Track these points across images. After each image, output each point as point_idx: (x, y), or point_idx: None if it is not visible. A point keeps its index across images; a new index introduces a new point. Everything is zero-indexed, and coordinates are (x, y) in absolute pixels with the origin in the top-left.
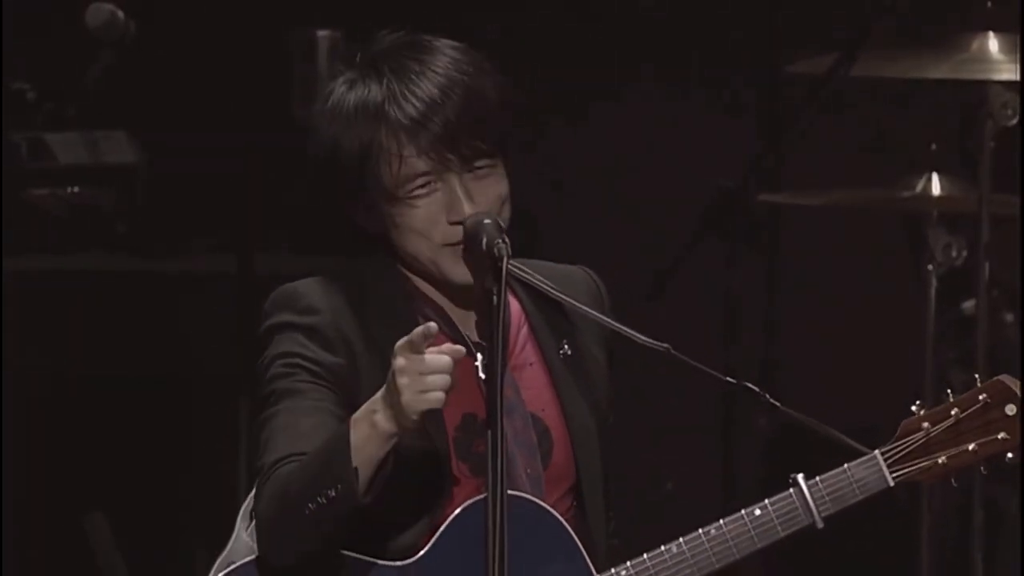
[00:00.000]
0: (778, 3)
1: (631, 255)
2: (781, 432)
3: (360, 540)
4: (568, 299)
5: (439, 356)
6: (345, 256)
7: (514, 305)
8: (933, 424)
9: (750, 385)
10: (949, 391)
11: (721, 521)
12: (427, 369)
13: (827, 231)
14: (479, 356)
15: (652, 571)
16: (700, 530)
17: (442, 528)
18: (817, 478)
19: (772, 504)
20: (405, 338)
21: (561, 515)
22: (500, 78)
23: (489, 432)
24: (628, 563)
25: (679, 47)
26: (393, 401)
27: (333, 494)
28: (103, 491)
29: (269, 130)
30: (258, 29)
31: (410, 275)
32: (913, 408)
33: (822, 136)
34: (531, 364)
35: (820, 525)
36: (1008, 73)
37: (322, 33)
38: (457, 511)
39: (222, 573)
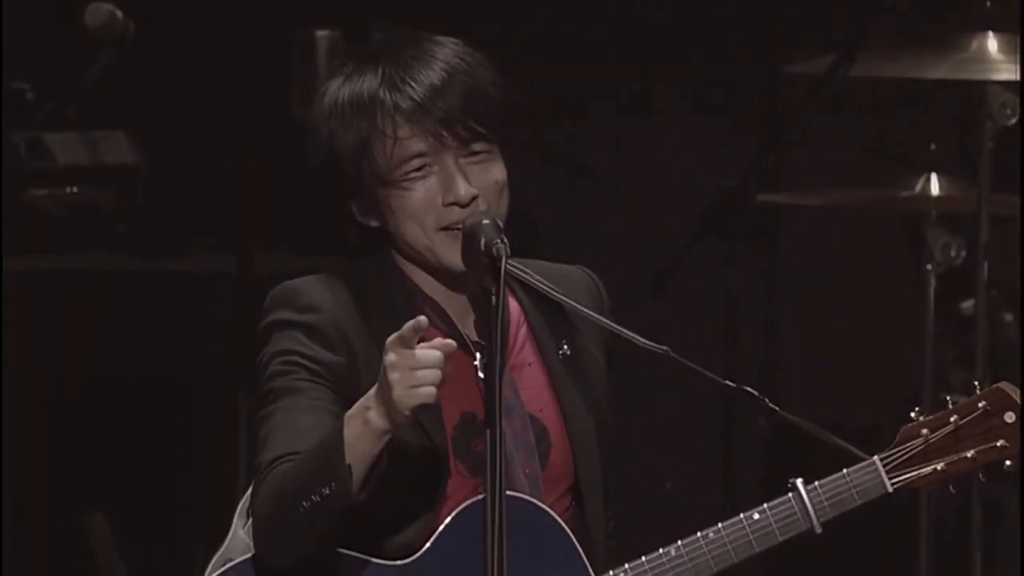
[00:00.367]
0: (778, 3)
1: (631, 255)
2: (781, 432)
3: (359, 539)
4: (568, 300)
5: (430, 351)
6: (345, 256)
7: (513, 305)
8: (932, 431)
9: (749, 389)
10: (948, 397)
11: (719, 525)
12: (418, 364)
13: (827, 231)
14: (478, 355)
15: (650, 574)
16: (698, 533)
17: (441, 528)
18: (816, 483)
19: (771, 508)
20: (396, 333)
21: (559, 515)
22: (497, 73)
23: (488, 432)
24: (627, 565)
25: (679, 47)
26: (385, 397)
27: (327, 492)
28: (103, 491)
29: (269, 130)
30: (258, 29)
31: (409, 274)
32: (912, 415)
33: (822, 136)
34: (530, 364)
35: (819, 530)
36: (1007, 73)
37: (322, 33)
38: (456, 511)
39: (219, 571)
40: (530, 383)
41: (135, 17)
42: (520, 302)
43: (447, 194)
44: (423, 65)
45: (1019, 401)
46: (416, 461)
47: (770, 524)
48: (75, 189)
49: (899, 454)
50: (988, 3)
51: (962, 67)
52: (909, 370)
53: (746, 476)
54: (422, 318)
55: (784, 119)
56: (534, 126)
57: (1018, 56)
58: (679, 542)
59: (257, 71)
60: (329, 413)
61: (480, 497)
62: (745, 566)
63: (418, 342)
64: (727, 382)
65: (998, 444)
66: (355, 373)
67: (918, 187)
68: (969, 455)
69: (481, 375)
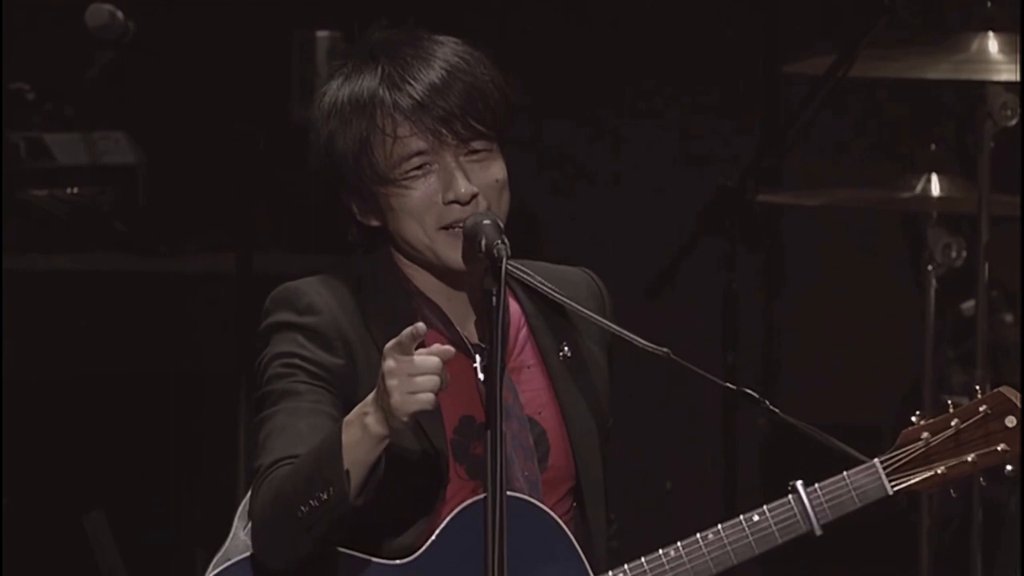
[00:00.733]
0: (778, 3)
1: (631, 255)
2: (781, 433)
3: (359, 541)
4: (568, 301)
5: (428, 357)
6: (344, 256)
7: (514, 307)
8: (933, 434)
9: (749, 391)
10: (948, 398)
11: (719, 526)
12: (416, 370)
13: (827, 231)
14: (478, 358)
15: (649, 575)
16: (698, 535)
17: (440, 528)
18: (816, 485)
19: (770, 510)
20: (394, 340)
21: (560, 517)
22: (498, 72)
23: (488, 434)
24: (626, 566)
25: (679, 47)
26: (383, 403)
27: (325, 497)
28: (103, 490)
29: (269, 130)
30: (258, 29)
31: (410, 275)
32: (913, 418)
33: (822, 136)
34: (530, 366)
35: (819, 532)
36: (1007, 73)
37: (322, 33)
38: (455, 511)
39: (218, 570)
40: (530, 385)
41: (135, 17)
42: (520, 303)
43: (447, 192)
44: (423, 64)
45: (1020, 405)
46: (416, 464)
47: (770, 526)
48: (75, 189)
49: (899, 457)
50: (988, 3)
51: (962, 67)
52: (909, 370)
53: (746, 477)
54: (420, 325)
55: (784, 119)
56: (534, 126)
57: (1018, 56)
58: (678, 543)
59: (257, 71)
60: (328, 416)
61: (479, 497)
62: (745, 566)
63: (417, 347)
64: (727, 384)
65: (999, 448)
66: (355, 375)
67: (918, 187)
68: (970, 459)
69: (481, 377)
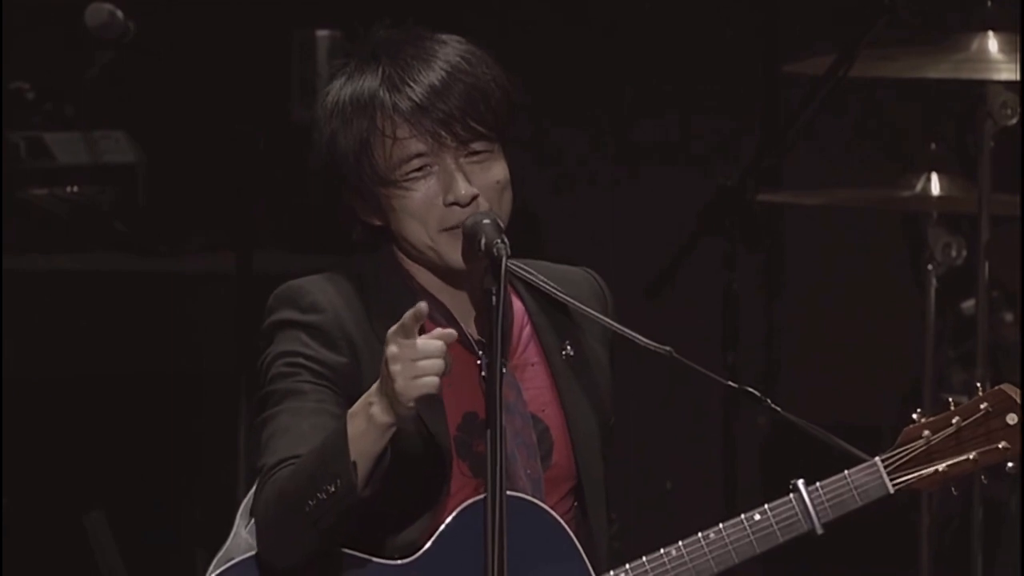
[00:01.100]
0: (778, 3)
1: (631, 255)
2: (781, 432)
3: (362, 539)
4: (571, 300)
5: (431, 341)
6: (345, 255)
7: (517, 305)
8: (934, 432)
9: (751, 389)
10: (949, 398)
11: (720, 525)
12: (419, 354)
13: (827, 231)
14: (481, 355)
15: (651, 574)
16: (699, 534)
17: (442, 527)
18: (817, 484)
19: (772, 509)
20: (397, 324)
21: (562, 516)
22: (501, 71)
23: (488, 432)
24: (627, 565)
25: (679, 47)
26: (388, 390)
27: (333, 489)
28: (103, 490)
29: (269, 130)
30: (258, 29)
31: (413, 273)
32: (914, 416)
33: (822, 136)
34: (533, 364)
35: (820, 531)
36: (1008, 73)
37: (322, 33)
38: (457, 510)
39: (219, 569)
40: (533, 383)
41: (135, 17)
42: (524, 302)
43: (447, 194)
44: (423, 65)
45: (1021, 402)
46: (419, 460)
47: (771, 525)
48: (75, 189)
49: (900, 455)
50: (988, 3)
51: (962, 67)
52: (909, 370)
53: (747, 476)
54: (422, 304)
55: (784, 119)
56: (534, 126)
57: (1018, 56)
58: (680, 542)
59: (257, 71)
60: (332, 416)
61: (481, 496)
62: (746, 566)
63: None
64: (729, 382)
65: (1000, 446)
66: (358, 373)
67: (918, 187)
68: (971, 457)
69: (484, 374)
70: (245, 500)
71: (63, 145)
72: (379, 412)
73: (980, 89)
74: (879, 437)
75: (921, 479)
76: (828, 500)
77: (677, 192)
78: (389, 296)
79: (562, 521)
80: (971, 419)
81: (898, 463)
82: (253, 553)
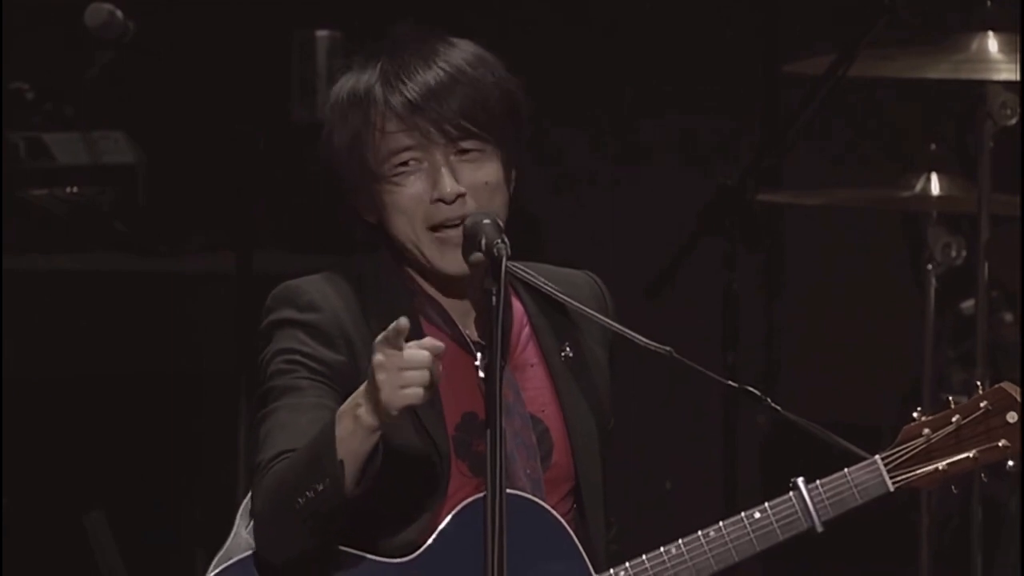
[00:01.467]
0: (778, 3)
1: (631, 255)
2: (781, 431)
3: (361, 538)
4: (570, 301)
5: (418, 352)
6: (344, 255)
7: (516, 306)
8: (934, 430)
9: (752, 389)
10: (950, 397)
11: (720, 523)
12: (406, 364)
13: (827, 231)
14: (479, 355)
15: (651, 572)
16: (699, 532)
17: (441, 526)
18: (817, 482)
19: (772, 507)
20: (383, 333)
21: (562, 517)
22: (508, 78)
23: (488, 432)
24: (627, 564)
25: (679, 47)
26: (374, 396)
27: (321, 488)
28: (103, 490)
29: (269, 130)
30: (258, 29)
31: (412, 275)
32: (915, 414)
33: (822, 136)
34: (532, 365)
35: (820, 529)
36: (1007, 73)
37: (322, 33)
38: (456, 509)
39: (219, 568)
40: (532, 384)
41: (135, 17)
42: (523, 303)
43: (433, 191)
44: (422, 64)
45: (1020, 401)
46: (418, 461)
47: (771, 523)
48: (75, 189)
49: (900, 453)
50: (988, 3)
51: (962, 67)
52: (909, 370)
53: (747, 476)
54: (403, 320)
55: (784, 119)
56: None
57: (1018, 56)
58: (680, 541)
59: (257, 71)
60: (330, 411)
61: (480, 495)
62: (746, 565)
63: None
64: (730, 382)
65: (1000, 444)
66: (355, 372)
67: (918, 187)
68: (971, 455)
69: (482, 375)
70: (245, 500)
71: (63, 145)
72: (365, 414)
73: (980, 89)
74: (879, 437)
75: (921, 477)
76: (828, 498)
77: (677, 192)
78: (387, 296)
79: (562, 519)
80: (971, 417)
81: (898, 461)
82: (251, 552)
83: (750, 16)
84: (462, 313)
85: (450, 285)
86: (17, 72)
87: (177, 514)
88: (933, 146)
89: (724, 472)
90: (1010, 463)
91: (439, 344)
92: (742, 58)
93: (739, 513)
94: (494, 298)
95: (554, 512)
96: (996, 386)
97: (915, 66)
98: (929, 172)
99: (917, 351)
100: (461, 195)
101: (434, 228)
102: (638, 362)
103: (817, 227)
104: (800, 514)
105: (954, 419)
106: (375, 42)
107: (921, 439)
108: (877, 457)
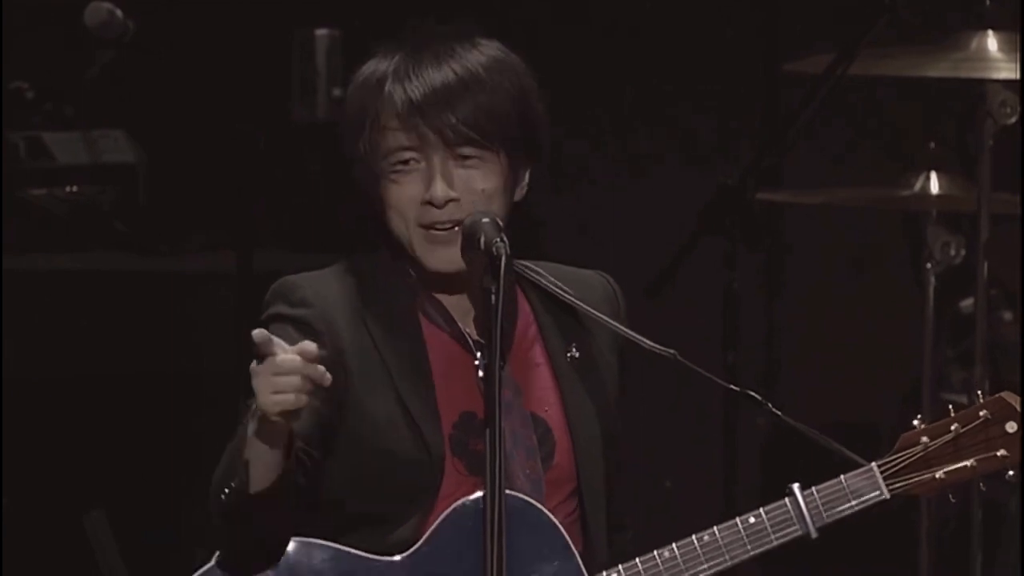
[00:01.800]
0: (778, 3)
1: (631, 255)
2: (782, 432)
3: (355, 536)
4: (577, 302)
5: (290, 357)
6: (344, 254)
7: (523, 305)
8: (932, 438)
9: (753, 393)
10: (950, 405)
11: (715, 528)
12: (277, 370)
13: (827, 230)
14: (479, 354)
15: (644, 575)
16: (693, 536)
17: (436, 524)
18: (813, 488)
19: (767, 512)
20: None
21: (564, 518)
22: (527, 87)
23: (487, 431)
24: (620, 567)
25: (679, 47)
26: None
27: (234, 485)
28: (103, 489)
29: (269, 130)
30: (258, 29)
31: (413, 271)
32: (915, 422)
33: (822, 136)
34: (538, 364)
35: (814, 535)
36: (1007, 72)
37: (321, 32)
38: (451, 508)
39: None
40: (537, 383)
41: (135, 17)
42: (530, 303)
43: (425, 193)
44: (434, 64)
45: (1020, 411)
46: (409, 458)
47: (765, 527)
48: (75, 189)
49: (897, 461)
50: (988, 2)
51: (962, 66)
52: (909, 369)
53: (747, 477)
54: (258, 331)
55: (784, 119)
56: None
57: (1018, 55)
58: (673, 544)
59: (257, 71)
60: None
61: (476, 495)
62: (745, 566)
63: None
64: (731, 386)
65: (999, 454)
66: (341, 367)
67: (918, 186)
68: (969, 464)
69: (481, 374)
70: None
71: (63, 145)
72: (252, 420)
73: (980, 88)
74: (878, 436)
75: (918, 485)
76: (823, 505)
77: (677, 192)
78: (387, 296)
79: (555, 520)
80: (970, 426)
81: (895, 468)
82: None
83: (750, 16)
84: (462, 311)
85: (449, 283)
86: (17, 72)
87: (177, 514)
88: (933, 145)
89: (724, 473)
90: (1010, 473)
91: (311, 347)
92: (742, 58)
93: (737, 516)
94: (493, 297)
95: (548, 513)
96: (996, 395)
97: (915, 65)
98: (929, 171)
99: (916, 350)
100: (453, 200)
101: (425, 227)
102: (640, 363)
103: (817, 227)
104: (795, 519)
105: (953, 427)
106: (403, 36)
107: (919, 447)
108: (874, 464)
